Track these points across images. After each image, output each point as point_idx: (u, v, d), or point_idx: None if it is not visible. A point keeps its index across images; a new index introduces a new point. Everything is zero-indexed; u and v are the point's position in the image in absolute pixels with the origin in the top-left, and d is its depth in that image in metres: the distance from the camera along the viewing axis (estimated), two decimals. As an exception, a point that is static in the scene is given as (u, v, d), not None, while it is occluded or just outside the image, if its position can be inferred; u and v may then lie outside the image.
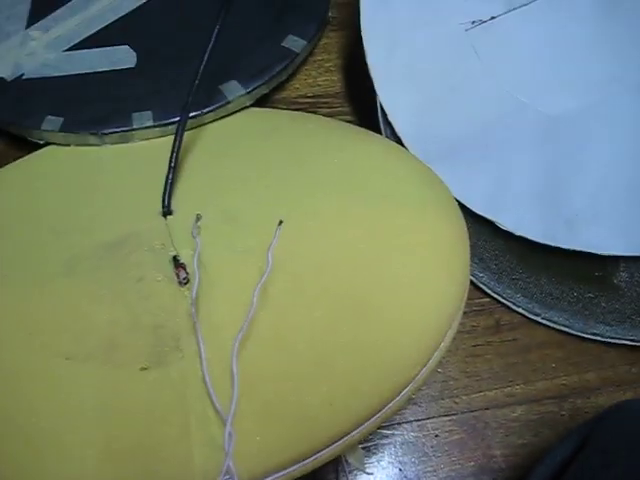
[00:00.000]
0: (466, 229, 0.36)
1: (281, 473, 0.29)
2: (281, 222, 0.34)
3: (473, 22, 0.44)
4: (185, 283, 0.34)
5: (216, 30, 0.42)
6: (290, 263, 0.34)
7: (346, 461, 0.31)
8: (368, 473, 0.39)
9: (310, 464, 0.29)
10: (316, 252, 0.35)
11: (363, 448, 0.41)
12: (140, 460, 0.29)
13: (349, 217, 0.36)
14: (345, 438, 0.29)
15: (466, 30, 0.44)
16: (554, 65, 0.43)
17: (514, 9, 0.43)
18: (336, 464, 0.37)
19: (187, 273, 0.35)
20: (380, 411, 0.30)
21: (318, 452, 0.29)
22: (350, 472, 0.38)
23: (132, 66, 0.48)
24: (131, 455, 0.29)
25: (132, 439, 0.29)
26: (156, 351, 0.32)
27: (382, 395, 0.30)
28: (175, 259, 0.36)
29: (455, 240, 0.35)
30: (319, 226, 0.36)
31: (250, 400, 0.30)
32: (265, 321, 0.32)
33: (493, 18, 0.43)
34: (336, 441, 0.29)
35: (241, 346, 0.31)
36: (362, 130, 0.43)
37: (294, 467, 0.29)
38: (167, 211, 0.39)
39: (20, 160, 0.44)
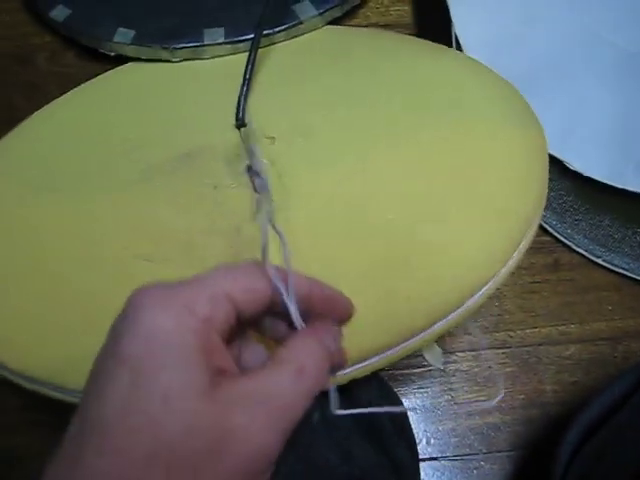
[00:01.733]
0: (545, 140, 0.36)
1: (363, 364, 0.30)
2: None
3: (559, -48, 0.43)
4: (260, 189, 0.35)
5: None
6: (362, 171, 0.35)
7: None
8: (442, 370, 0.40)
9: (390, 357, 0.30)
10: (391, 163, 0.35)
11: (418, 372, 0.41)
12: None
13: (425, 131, 0.36)
14: (425, 332, 0.30)
15: (551, -39, 0.43)
16: (637, 3, 0.42)
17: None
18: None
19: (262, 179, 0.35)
20: (459, 307, 0.31)
21: (397, 345, 0.30)
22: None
23: (205, -18, 0.48)
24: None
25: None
26: (233, 253, 0.32)
27: (462, 291, 0.31)
28: (249, 167, 0.36)
29: (533, 151, 0.35)
30: (394, 141, 0.36)
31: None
32: (341, 223, 0.33)
33: (582, -51, 0.42)
34: (414, 335, 0.30)
35: (316, 246, 0.31)
36: (439, 46, 0.42)
37: (374, 359, 0.30)
38: (241, 123, 0.39)
39: (96, 78, 0.44)
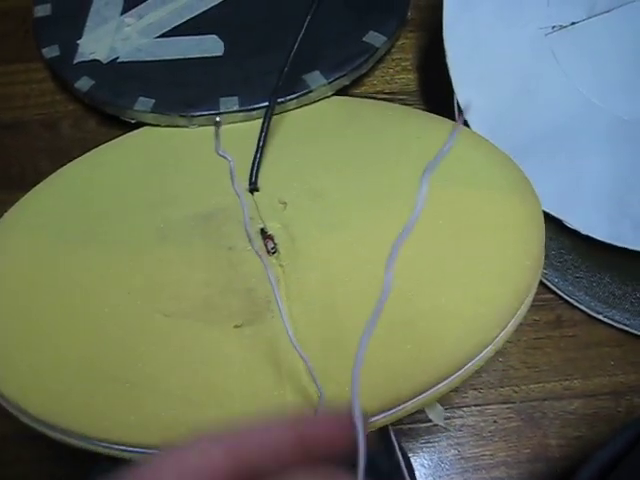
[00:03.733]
0: (542, 211, 0.38)
1: (369, 421, 0.31)
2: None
3: (553, 27, 0.45)
4: (273, 252, 0.37)
5: (307, 20, 0.45)
6: (372, 237, 0.36)
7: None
8: (445, 429, 0.41)
9: (396, 414, 0.31)
10: (397, 228, 0.37)
11: (425, 427, 0.42)
12: (239, 404, 0.31)
13: (428, 198, 0.38)
14: (429, 392, 0.32)
15: (546, 34, 0.45)
16: (632, 72, 0.44)
17: (595, 15, 0.45)
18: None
19: (275, 243, 0.37)
20: (462, 368, 0.32)
21: (403, 403, 0.31)
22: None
23: (220, 54, 0.51)
24: (230, 400, 0.31)
25: (231, 386, 0.32)
26: (249, 311, 0.34)
27: (464, 354, 0.32)
28: (263, 231, 0.38)
29: (530, 218, 0.37)
30: (399, 206, 0.38)
31: (339, 357, 0.32)
32: (348, 285, 0.34)
33: (574, 23, 0.45)
34: (420, 394, 0.31)
35: (326, 308, 0.33)
36: (440, 118, 0.45)
37: (381, 416, 0.31)
38: (254, 187, 0.41)
39: (115, 140, 0.47)
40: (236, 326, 0.34)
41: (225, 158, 0.27)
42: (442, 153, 0.20)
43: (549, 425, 0.43)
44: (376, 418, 0.32)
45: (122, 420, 0.32)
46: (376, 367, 0.32)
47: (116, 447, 0.32)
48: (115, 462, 0.33)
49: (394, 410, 0.31)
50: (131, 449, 0.32)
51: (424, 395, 0.32)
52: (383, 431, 0.34)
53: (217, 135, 0.27)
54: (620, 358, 0.45)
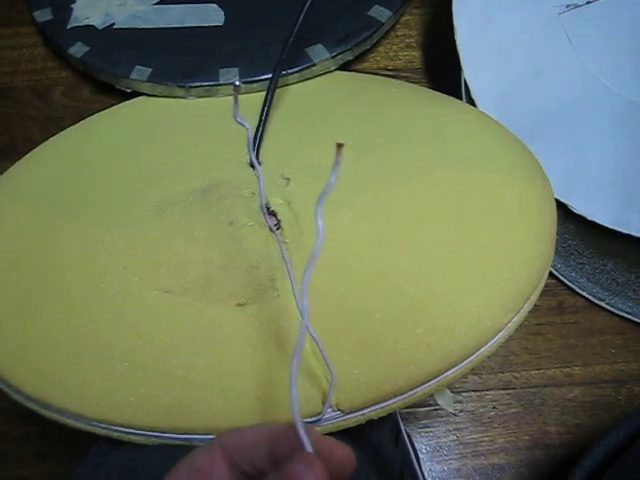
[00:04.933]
0: (552, 194, 0.37)
1: (380, 405, 0.30)
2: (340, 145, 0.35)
3: (568, 6, 0.44)
4: (277, 229, 0.35)
5: (313, -9, 0.43)
6: (376, 214, 0.35)
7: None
8: (454, 414, 0.40)
9: (407, 399, 0.30)
10: (403, 207, 0.36)
11: (424, 412, 0.42)
12: (243, 385, 0.30)
13: (434, 178, 0.37)
14: (440, 377, 0.31)
15: (560, 13, 0.44)
16: (641, 53, 0.43)
17: (611, -5, 0.44)
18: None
19: (278, 219, 0.36)
20: (474, 354, 0.31)
21: (414, 388, 0.30)
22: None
23: (220, 24, 0.49)
24: (234, 380, 0.30)
25: (235, 366, 0.30)
26: (252, 289, 0.33)
27: (476, 339, 0.31)
28: (266, 207, 0.37)
29: (541, 201, 0.36)
30: (404, 184, 0.37)
31: (347, 336, 0.31)
32: (357, 266, 0.33)
33: (589, 2, 0.44)
34: (431, 379, 0.30)
35: (333, 288, 0.32)
36: (446, 96, 0.43)
37: (392, 400, 0.30)
38: (256, 161, 0.39)
39: (110, 109, 0.45)
40: (239, 304, 0.33)
41: (242, 125, 0.26)
42: (329, 186, 0.21)
43: (549, 412, 0.42)
44: (386, 403, 0.31)
45: (121, 401, 0.30)
46: (386, 351, 0.31)
47: (115, 428, 0.31)
48: (114, 443, 0.32)
49: (404, 396, 0.31)
50: (131, 431, 0.31)
51: (434, 381, 0.31)
52: (391, 417, 0.33)
53: (236, 100, 0.25)
54: (621, 346, 0.44)
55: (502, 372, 0.43)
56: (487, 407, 0.42)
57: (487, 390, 0.42)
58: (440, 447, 0.41)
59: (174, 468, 0.22)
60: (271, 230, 0.35)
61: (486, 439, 0.41)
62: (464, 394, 0.42)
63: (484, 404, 0.42)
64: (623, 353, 0.44)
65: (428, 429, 0.42)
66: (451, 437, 0.41)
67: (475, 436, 0.41)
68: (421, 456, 0.41)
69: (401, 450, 0.32)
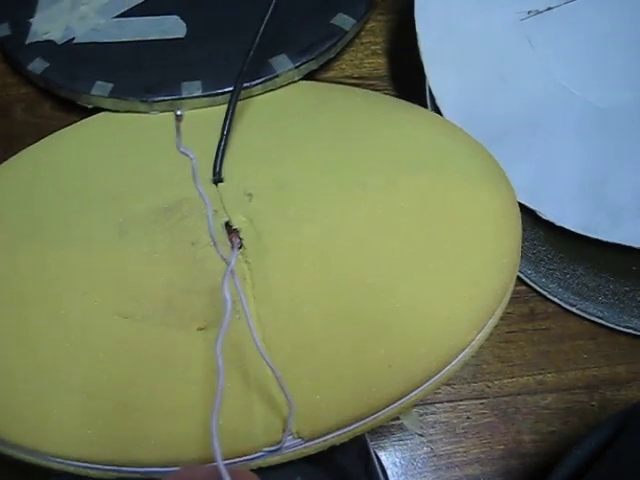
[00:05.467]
0: (517, 202, 0.37)
1: (342, 431, 0.30)
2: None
3: (529, 12, 0.44)
4: (239, 248, 0.35)
5: (273, 2, 0.42)
6: (342, 231, 0.35)
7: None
8: (420, 435, 0.40)
9: (370, 423, 0.30)
10: (368, 220, 0.35)
11: (397, 424, 0.41)
12: (204, 415, 0.29)
13: (399, 188, 0.37)
14: (403, 399, 0.30)
15: (521, 20, 0.44)
16: (608, 58, 0.43)
17: (572, 0, 0.43)
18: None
19: (240, 238, 0.35)
20: (438, 374, 0.31)
21: (377, 412, 0.30)
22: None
23: (182, 36, 0.48)
24: (192, 410, 0.29)
25: (194, 394, 0.30)
26: (213, 312, 0.32)
27: (440, 358, 0.31)
28: (227, 225, 0.36)
29: (507, 213, 0.36)
30: (369, 196, 0.36)
31: (308, 359, 0.30)
32: (319, 284, 0.33)
33: (550, 9, 0.44)
34: (395, 402, 0.30)
35: (296, 309, 0.31)
36: (410, 104, 0.43)
37: (354, 425, 0.30)
38: (218, 178, 0.39)
39: (72, 125, 0.44)
40: (199, 329, 0.32)
41: (187, 155, 0.25)
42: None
43: (523, 420, 0.42)
44: (349, 428, 0.30)
45: (78, 434, 0.30)
46: (347, 374, 0.30)
47: (71, 463, 0.30)
48: (71, 478, 0.31)
49: (366, 420, 0.30)
50: (88, 465, 0.30)
51: (397, 404, 0.31)
52: (359, 440, 0.32)
53: (178, 130, 0.25)
54: (593, 351, 0.44)
55: (475, 382, 0.43)
56: (461, 417, 0.42)
57: (460, 400, 0.42)
58: (414, 460, 0.41)
59: None
60: (233, 248, 0.34)
61: (460, 450, 0.41)
62: (437, 405, 0.42)
63: (458, 414, 0.42)
64: (595, 358, 0.44)
65: (401, 442, 0.41)
66: (425, 449, 0.41)
67: (449, 447, 0.41)
68: (394, 470, 0.40)
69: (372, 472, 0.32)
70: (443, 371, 0.31)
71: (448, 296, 0.33)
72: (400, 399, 0.31)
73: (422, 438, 0.41)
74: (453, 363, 0.32)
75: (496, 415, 0.42)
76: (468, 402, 0.42)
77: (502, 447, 0.41)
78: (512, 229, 0.35)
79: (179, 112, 0.25)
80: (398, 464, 0.40)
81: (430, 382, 0.31)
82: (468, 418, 0.42)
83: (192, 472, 0.22)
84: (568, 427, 0.42)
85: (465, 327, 0.32)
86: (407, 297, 0.32)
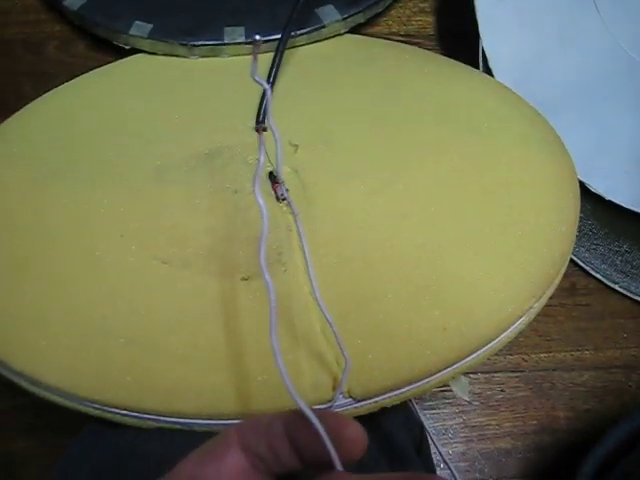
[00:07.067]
0: (574, 167, 0.35)
1: (394, 393, 0.28)
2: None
3: (597, -30, 0.42)
4: (283, 199, 0.33)
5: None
6: (391, 187, 0.33)
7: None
8: (468, 401, 0.39)
9: (422, 387, 0.28)
10: (419, 181, 0.34)
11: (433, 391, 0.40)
12: (248, 368, 0.28)
13: (452, 149, 0.35)
14: (458, 364, 0.29)
15: (587, -20, 0.42)
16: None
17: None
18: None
19: (285, 189, 0.33)
20: (494, 340, 0.29)
21: (431, 375, 0.29)
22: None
23: (225, -20, 0.46)
24: (238, 362, 0.28)
25: (238, 347, 0.28)
26: (257, 263, 0.31)
27: (496, 324, 0.29)
28: (272, 175, 0.34)
29: (563, 178, 0.34)
30: (419, 155, 0.35)
31: (360, 318, 0.29)
32: (370, 241, 0.31)
33: (620, -33, 0.42)
34: (449, 366, 0.29)
35: (342, 268, 0.30)
36: (461, 64, 0.41)
37: (407, 388, 0.28)
38: (263, 126, 0.37)
39: (107, 65, 0.42)
40: (243, 279, 0.31)
41: (261, 85, 0.23)
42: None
43: (558, 396, 0.41)
44: (400, 391, 0.29)
45: (116, 380, 0.28)
46: (400, 334, 0.29)
47: (109, 409, 0.29)
48: (108, 424, 0.30)
49: (419, 384, 0.29)
50: (126, 412, 0.29)
51: (451, 368, 0.29)
52: (405, 404, 0.31)
53: (255, 57, 0.23)
54: (634, 331, 0.43)
55: (511, 354, 0.42)
56: (495, 390, 0.41)
57: (495, 372, 0.41)
58: (446, 430, 0.40)
59: (190, 454, 0.20)
60: (278, 200, 0.33)
61: (493, 423, 0.40)
62: (472, 376, 0.41)
63: (492, 387, 0.41)
64: (635, 338, 0.43)
65: (434, 411, 0.40)
66: (457, 420, 0.40)
67: (482, 419, 0.40)
68: (426, 438, 0.39)
69: (418, 439, 0.31)
70: (500, 337, 0.30)
71: (506, 261, 0.31)
72: (454, 364, 0.29)
73: (454, 408, 0.40)
74: (510, 330, 0.30)
75: (531, 389, 0.41)
76: (503, 374, 0.41)
77: (535, 422, 0.40)
78: (570, 196, 0.34)
79: (257, 37, 0.23)
80: (430, 432, 0.39)
81: (486, 348, 0.30)
82: (502, 391, 0.41)
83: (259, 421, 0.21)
84: (604, 406, 0.41)
85: (523, 294, 0.30)
86: (462, 261, 0.31)
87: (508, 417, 0.40)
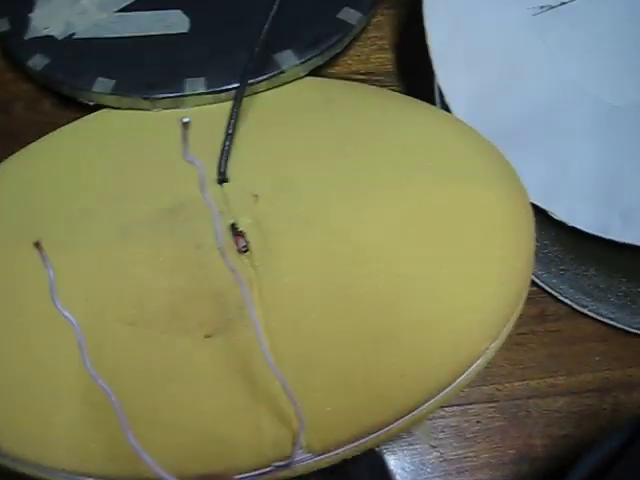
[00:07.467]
0: (529, 205, 0.36)
1: (354, 444, 0.29)
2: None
3: (542, 7, 0.43)
4: (245, 251, 0.34)
5: (279, -3, 0.41)
6: (350, 234, 0.34)
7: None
8: (433, 446, 0.39)
9: (382, 436, 0.29)
10: (377, 224, 0.34)
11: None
12: (209, 427, 0.28)
13: (408, 190, 0.36)
14: (417, 410, 0.29)
15: (534, 15, 0.43)
16: (622, 55, 0.42)
17: (585, -5, 0.42)
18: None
19: (246, 241, 0.34)
20: (452, 383, 0.30)
21: (390, 424, 0.29)
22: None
23: (185, 31, 0.47)
24: (200, 422, 0.29)
25: (201, 405, 0.29)
26: (220, 319, 0.31)
27: (453, 368, 0.30)
28: (233, 227, 0.35)
29: (517, 214, 0.35)
30: (377, 198, 0.35)
31: (319, 370, 0.30)
32: (328, 291, 0.32)
33: (563, 3, 0.43)
34: (408, 413, 0.29)
35: (305, 316, 0.30)
36: (419, 102, 0.42)
37: (366, 439, 0.29)
38: (223, 179, 0.38)
39: (73, 123, 0.43)
40: (206, 336, 0.31)
41: (193, 163, 0.24)
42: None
43: (534, 424, 0.41)
44: (360, 442, 0.29)
45: (81, 447, 0.29)
46: (359, 384, 0.30)
47: (77, 479, 0.29)
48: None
49: (378, 433, 0.29)
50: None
51: (410, 415, 0.30)
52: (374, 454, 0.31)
53: (185, 138, 0.24)
54: (605, 353, 0.43)
55: (485, 385, 0.42)
56: (471, 421, 0.41)
57: (470, 404, 0.41)
58: (423, 465, 0.40)
59: None
60: (239, 252, 0.33)
61: (470, 455, 0.40)
62: (447, 409, 0.41)
63: (467, 418, 0.41)
64: (607, 360, 0.43)
65: (411, 446, 0.40)
66: (434, 454, 0.40)
67: (459, 452, 0.40)
68: (404, 475, 0.40)
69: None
70: (457, 381, 0.30)
71: (461, 304, 0.32)
72: (413, 410, 0.30)
73: (431, 443, 0.40)
74: (467, 373, 0.31)
75: (507, 419, 0.41)
76: (478, 406, 0.41)
77: (513, 451, 0.41)
78: (525, 233, 0.34)
79: (185, 120, 0.23)
80: (407, 469, 0.40)
81: (444, 392, 0.30)
82: (478, 422, 0.41)
83: None
84: (580, 431, 0.41)
85: (478, 336, 0.31)
86: (418, 305, 0.32)
87: (485, 448, 0.41)
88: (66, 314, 0.25)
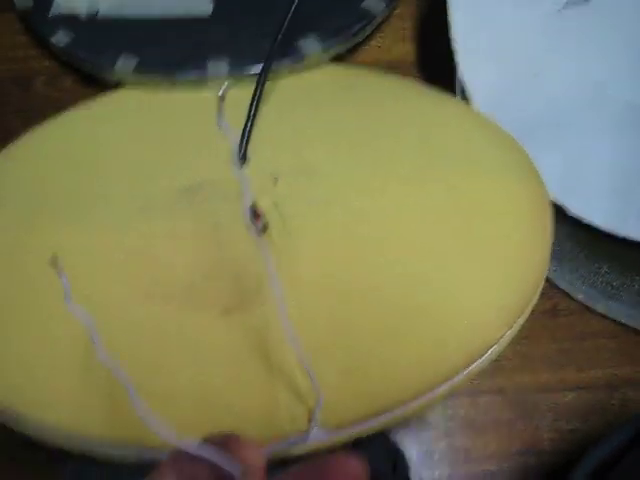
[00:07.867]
0: (548, 198, 0.36)
1: (368, 423, 0.29)
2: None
3: (567, 2, 0.43)
4: (263, 232, 0.34)
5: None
6: (370, 218, 0.34)
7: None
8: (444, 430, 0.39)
9: (396, 416, 0.29)
10: (396, 210, 0.35)
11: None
12: (225, 401, 0.29)
13: (428, 179, 0.36)
14: (430, 394, 0.30)
15: (559, 10, 0.43)
16: (644, 54, 0.42)
17: (611, -9, 0.42)
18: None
19: (265, 222, 0.34)
20: (466, 369, 0.30)
21: (404, 405, 0.29)
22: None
23: (208, 13, 0.47)
24: (217, 396, 0.29)
25: (217, 380, 0.29)
26: (237, 296, 0.32)
27: (468, 353, 0.30)
28: (252, 207, 0.35)
29: (536, 207, 0.35)
30: (397, 185, 0.36)
31: (335, 350, 0.30)
32: (346, 274, 0.32)
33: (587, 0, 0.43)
34: (422, 395, 0.29)
35: (322, 300, 0.31)
36: (440, 93, 0.42)
37: (381, 418, 0.29)
38: (244, 160, 0.38)
39: (89, 101, 0.43)
40: (223, 313, 0.32)
41: (226, 134, 0.24)
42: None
43: (542, 418, 0.41)
44: (375, 421, 0.30)
45: (97, 419, 0.29)
46: (375, 365, 0.30)
47: (94, 443, 0.29)
48: (87, 461, 0.30)
49: (393, 413, 0.29)
50: (110, 445, 0.29)
51: (425, 397, 0.30)
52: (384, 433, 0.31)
53: (220, 109, 0.24)
54: (615, 350, 0.43)
55: (495, 377, 0.42)
56: (479, 412, 0.41)
57: (479, 395, 0.42)
58: (431, 453, 0.40)
59: None
60: (258, 233, 0.34)
61: (478, 445, 0.41)
62: (455, 399, 0.41)
63: (476, 409, 0.41)
64: (617, 357, 0.43)
65: (419, 434, 0.41)
66: (442, 443, 0.40)
67: (467, 442, 0.41)
68: (412, 462, 0.40)
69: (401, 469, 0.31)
70: (471, 366, 0.31)
71: (479, 291, 0.32)
72: (428, 393, 0.30)
73: (440, 431, 0.41)
74: (481, 359, 0.31)
75: (515, 411, 0.41)
76: (487, 397, 0.42)
77: (520, 444, 0.41)
78: (543, 225, 0.35)
79: (220, 92, 0.24)
80: (415, 456, 0.40)
81: (458, 377, 0.30)
82: (487, 413, 0.41)
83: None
84: (588, 426, 0.41)
85: (495, 324, 0.31)
86: (436, 290, 0.32)
87: (493, 439, 0.41)
88: (78, 311, 0.25)
